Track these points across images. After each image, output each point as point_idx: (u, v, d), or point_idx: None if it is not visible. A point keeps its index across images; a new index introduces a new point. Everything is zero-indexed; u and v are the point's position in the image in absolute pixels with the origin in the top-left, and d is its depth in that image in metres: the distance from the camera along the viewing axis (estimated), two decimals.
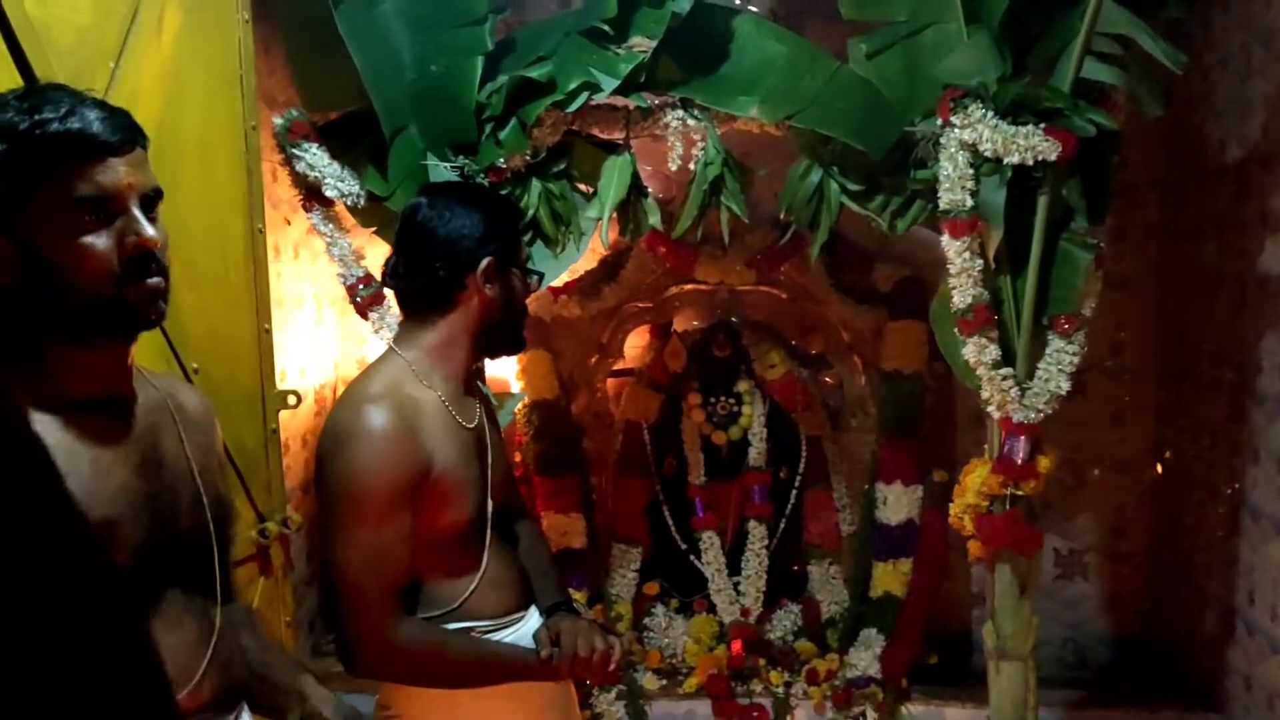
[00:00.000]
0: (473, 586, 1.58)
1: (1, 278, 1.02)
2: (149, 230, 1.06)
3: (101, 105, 1.06)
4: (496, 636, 1.59)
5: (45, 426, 1.05)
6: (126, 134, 1.06)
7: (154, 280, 1.08)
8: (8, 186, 1.01)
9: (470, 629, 1.57)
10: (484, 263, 1.55)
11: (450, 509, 1.53)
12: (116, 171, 1.05)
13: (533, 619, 1.67)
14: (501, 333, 1.62)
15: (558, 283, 3.00)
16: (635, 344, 3.44)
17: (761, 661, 3.06)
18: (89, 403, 1.10)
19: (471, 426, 1.62)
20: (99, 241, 1.04)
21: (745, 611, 3.23)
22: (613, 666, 1.58)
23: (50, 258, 1.03)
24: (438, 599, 1.56)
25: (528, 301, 1.69)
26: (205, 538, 1.23)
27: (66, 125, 1.02)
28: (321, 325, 3.24)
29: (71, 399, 1.08)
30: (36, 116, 1.01)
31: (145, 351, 1.39)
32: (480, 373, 1.96)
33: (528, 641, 1.60)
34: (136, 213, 1.06)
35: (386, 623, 1.47)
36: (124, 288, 1.06)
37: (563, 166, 2.36)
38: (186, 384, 1.46)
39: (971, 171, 2.16)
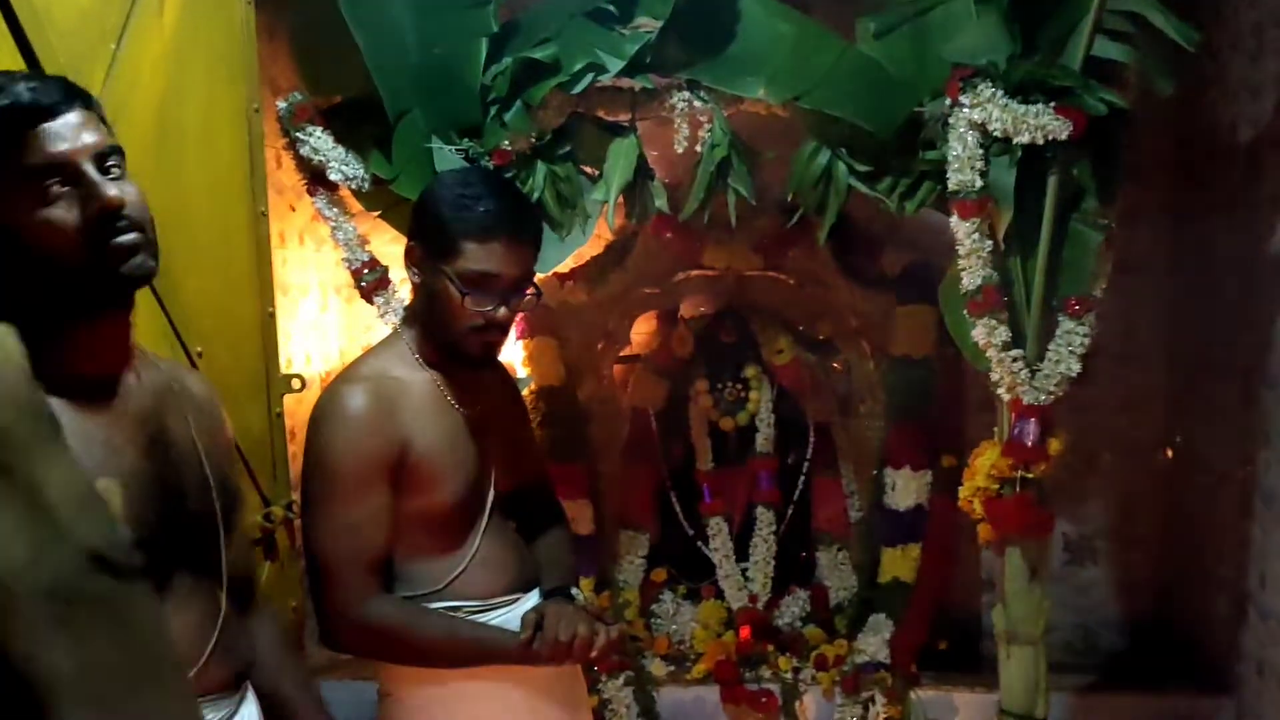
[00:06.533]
0: (461, 568, 1.57)
1: None
2: (109, 190, 1.04)
3: (30, 76, 1.06)
4: (484, 618, 1.58)
5: (56, 407, 1.04)
6: (60, 95, 1.05)
7: (128, 237, 1.06)
8: None
9: (456, 609, 1.56)
10: (408, 244, 1.57)
11: (433, 490, 1.53)
12: (59, 136, 1.03)
13: (529, 603, 1.66)
14: (434, 330, 1.57)
15: (563, 268, 2.99)
16: (642, 330, 3.42)
17: (770, 647, 3.04)
18: (95, 382, 1.10)
19: (469, 409, 1.60)
20: (59, 210, 1.03)
21: (753, 598, 3.22)
22: (595, 653, 1.54)
23: (16, 233, 1.02)
24: (423, 578, 1.56)
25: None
26: (212, 521, 1.23)
27: None
28: (326, 312, 3.23)
29: (77, 378, 1.08)
30: None
31: (148, 334, 1.39)
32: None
33: (517, 625, 1.59)
34: (92, 174, 1.04)
35: (357, 598, 1.48)
36: (95, 251, 1.04)
37: (568, 149, 2.34)
38: (190, 369, 1.46)
39: (981, 151, 2.14)
